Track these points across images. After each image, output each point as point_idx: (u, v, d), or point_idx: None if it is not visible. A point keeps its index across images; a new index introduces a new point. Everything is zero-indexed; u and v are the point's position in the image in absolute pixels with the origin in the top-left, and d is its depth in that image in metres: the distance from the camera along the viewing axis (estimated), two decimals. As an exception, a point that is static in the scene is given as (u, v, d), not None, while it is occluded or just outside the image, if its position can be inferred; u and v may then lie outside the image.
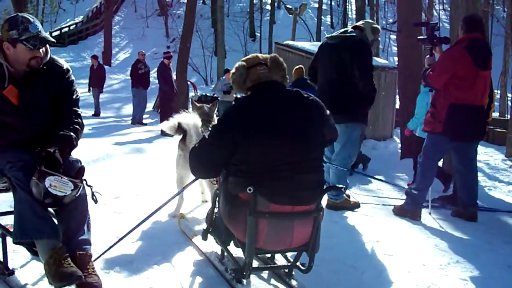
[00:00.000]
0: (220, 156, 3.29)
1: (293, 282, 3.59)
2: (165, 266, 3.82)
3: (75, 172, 3.23)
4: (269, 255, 3.83)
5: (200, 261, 3.97)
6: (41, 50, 3.37)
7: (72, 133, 3.38)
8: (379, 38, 6.36)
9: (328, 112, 3.47)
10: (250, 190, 3.06)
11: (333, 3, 43.58)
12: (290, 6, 22.46)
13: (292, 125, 3.20)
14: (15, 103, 3.32)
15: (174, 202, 4.81)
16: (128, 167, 7.98)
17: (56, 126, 3.41)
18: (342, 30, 6.16)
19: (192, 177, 3.97)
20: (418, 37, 6.37)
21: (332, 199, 5.88)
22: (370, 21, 6.35)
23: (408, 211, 5.77)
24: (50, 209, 3.26)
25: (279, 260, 3.89)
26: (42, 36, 3.30)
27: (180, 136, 5.05)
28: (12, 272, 3.34)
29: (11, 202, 3.23)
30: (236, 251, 3.56)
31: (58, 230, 3.14)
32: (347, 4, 41.84)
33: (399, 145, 11.45)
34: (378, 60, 14.98)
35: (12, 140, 3.34)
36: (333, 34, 6.18)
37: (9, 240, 3.27)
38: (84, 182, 3.29)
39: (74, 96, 3.57)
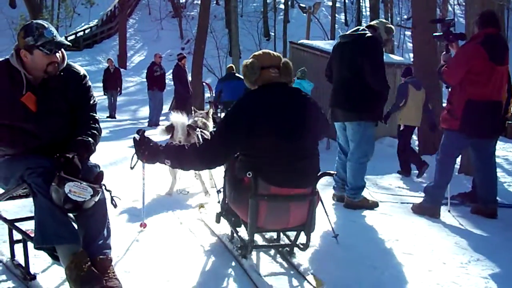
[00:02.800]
0: (220, 153, 3.71)
1: (294, 260, 3.98)
2: (184, 266, 3.83)
3: (94, 177, 3.25)
4: (275, 236, 4.36)
5: (214, 242, 4.43)
6: (58, 55, 3.40)
7: (90, 139, 3.41)
8: (393, 38, 6.32)
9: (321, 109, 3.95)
10: (249, 174, 3.52)
11: (347, 1, 43.42)
12: (303, 5, 22.31)
13: (292, 118, 3.63)
14: (33, 110, 3.36)
15: (169, 182, 6.14)
16: (146, 169, 7.97)
17: (74, 132, 3.44)
18: (354, 28, 6.14)
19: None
20: (434, 34, 6.34)
21: (350, 198, 5.87)
22: (384, 20, 6.33)
23: (427, 209, 5.74)
24: (70, 214, 3.28)
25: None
26: (58, 41, 3.33)
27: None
28: (33, 277, 3.36)
29: (31, 207, 3.25)
30: (244, 233, 3.92)
31: (78, 235, 3.16)
32: (361, 1, 41.66)
33: (417, 142, 11.40)
34: (393, 57, 14.94)
35: (31, 146, 3.37)
36: (345, 33, 6.17)
37: (30, 245, 3.29)
38: (103, 187, 3.31)
39: (91, 102, 3.60)
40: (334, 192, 6.24)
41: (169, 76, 18.43)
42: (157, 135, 6.22)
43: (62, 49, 3.50)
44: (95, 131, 3.50)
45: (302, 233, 3.85)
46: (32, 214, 3.25)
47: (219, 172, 4.77)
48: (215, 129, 3.94)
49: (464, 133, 5.51)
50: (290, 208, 3.66)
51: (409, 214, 5.82)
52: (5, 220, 3.62)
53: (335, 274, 3.84)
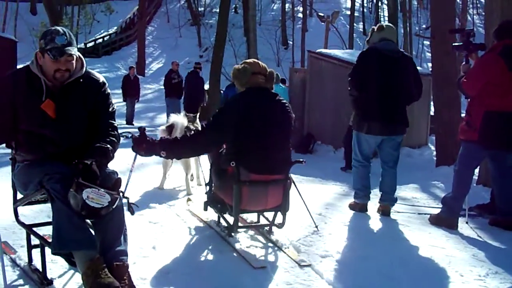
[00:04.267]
0: (214, 139, 4.51)
1: (273, 237, 4.72)
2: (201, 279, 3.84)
3: (112, 184, 3.27)
4: (255, 220, 5.15)
5: (202, 227, 5.10)
6: (73, 63, 3.43)
7: (108, 145, 3.43)
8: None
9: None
10: (233, 164, 4.25)
11: (365, 10, 43.38)
12: (322, 14, 22.34)
13: (271, 118, 4.43)
14: (52, 117, 3.39)
15: (159, 179, 6.96)
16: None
17: (93, 139, 3.47)
18: (386, 42, 6.02)
19: (171, 164, 6.60)
20: (453, 44, 6.30)
21: (392, 205, 6.12)
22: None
23: (445, 220, 5.69)
24: (88, 220, 3.30)
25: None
26: (64, 49, 3.32)
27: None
28: (50, 282, 3.38)
29: (49, 213, 3.28)
30: (229, 218, 4.65)
31: (96, 241, 3.18)
32: (379, 10, 41.60)
33: (434, 153, 11.33)
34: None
35: (50, 152, 3.41)
36: (391, 48, 6.01)
37: (47, 250, 3.31)
38: (121, 194, 3.33)
39: (110, 109, 3.63)
40: (358, 201, 6.18)
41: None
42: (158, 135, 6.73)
43: (81, 56, 3.54)
44: (113, 138, 3.53)
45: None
46: (50, 220, 3.28)
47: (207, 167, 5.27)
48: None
49: (482, 144, 5.44)
50: (268, 191, 4.43)
51: (426, 225, 5.77)
52: (23, 225, 3.65)
53: (352, 284, 3.83)
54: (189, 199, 6.11)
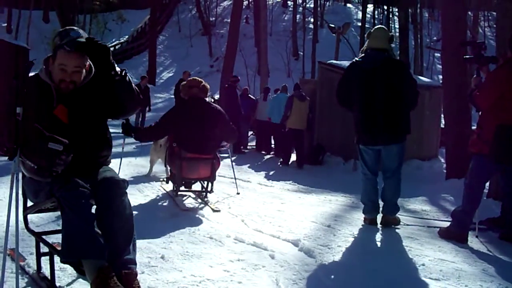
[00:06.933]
0: (163, 130, 6.95)
1: (206, 199, 7.08)
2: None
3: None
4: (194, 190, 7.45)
5: (165, 195, 7.47)
6: (79, 75, 3.45)
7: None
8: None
9: (223, 115, 7.06)
10: (174, 144, 6.83)
11: (376, 22, 43.39)
12: (333, 25, 22.29)
13: (202, 116, 6.75)
14: (65, 122, 3.40)
15: (147, 169, 9.16)
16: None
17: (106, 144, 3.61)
18: (363, 54, 6.11)
19: (157, 158, 8.88)
20: (465, 56, 6.26)
21: (392, 215, 6.07)
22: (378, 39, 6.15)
23: (454, 234, 5.65)
24: (97, 229, 3.31)
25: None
26: (77, 40, 3.34)
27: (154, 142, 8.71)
28: (58, 290, 3.39)
29: (58, 221, 3.28)
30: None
31: (105, 250, 3.18)
32: (390, 22, 41.60)
33: (444, 165, 11.27)
34: (422, 79, 14.85)
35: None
36: (368, 60, 6.02)
37: (56, 258, 3.32)
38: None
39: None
40: (366, 216, 6.18)
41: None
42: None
43: (91, 63, 3.55)
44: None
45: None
46: (59, 228, 3.28)
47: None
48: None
49: (493, 158, 5.41)
50: (200, 166, 6.84)
51: (436, 238, 5.73)
52: (32, 232, 3.66)
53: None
54: (162, 181, 8.34)
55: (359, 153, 6.18)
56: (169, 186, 7.58)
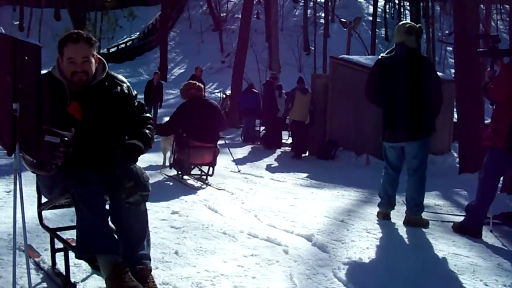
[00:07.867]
0: (176, 124, 8.18)
1: (207, 181, 8.24)
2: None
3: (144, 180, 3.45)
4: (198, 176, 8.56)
5: (170, 179, 8.42)
6: (90, 65, 3.45)
7: (147, 131, 3.62)
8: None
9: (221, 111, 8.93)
10: (184, 135, 8.01)
11: (387, 16, 43.23)
12: (344, 20, 22.22)
13: (204, 112, 8.00)
14: (79, 119, 3.40)
15: (161, 161, 9.64)
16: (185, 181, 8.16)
17: (129, 131, 3.62)
18: (390, 49, 6.03)
19: (169, 146, 8.98)
20: (478, 50, 6.21)
21: (414, 215, 5.89)
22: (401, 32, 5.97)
23: (468, 228, 5.62)
24: (111, 225, 3.32)
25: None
26: (82, 32, 3.44)
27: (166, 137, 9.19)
28: (74, 286, 3.39)
29: (72, 217, 3.29)
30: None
31: (119, 245, 3.19)
32: (402, 16, 41.42)
33: (457, 160, 11.21)
34: (435, 73, 14.71)
35: (77, 155, 3.40)
36: (391, 54, 5.92)
37: (71, 254, 3.34)
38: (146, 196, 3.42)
39: (136, 104, 3.68)
40: (380, 210, 6.16)
41: (208, 88, 18.51)
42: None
43: (102, 59, 3.56)
44: (150, 126, 3.69)
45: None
46: (73, 224, 3.29)
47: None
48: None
49: (509, 152, 5.37)
50: (204, 153, 8.10)
51: (450, 233, 5.71)
52: (47, 228, 3.67)
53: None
54: (163, 167, 9.32)
55: (383, 148, 6.12)
56: (171, 172, 8.56)
